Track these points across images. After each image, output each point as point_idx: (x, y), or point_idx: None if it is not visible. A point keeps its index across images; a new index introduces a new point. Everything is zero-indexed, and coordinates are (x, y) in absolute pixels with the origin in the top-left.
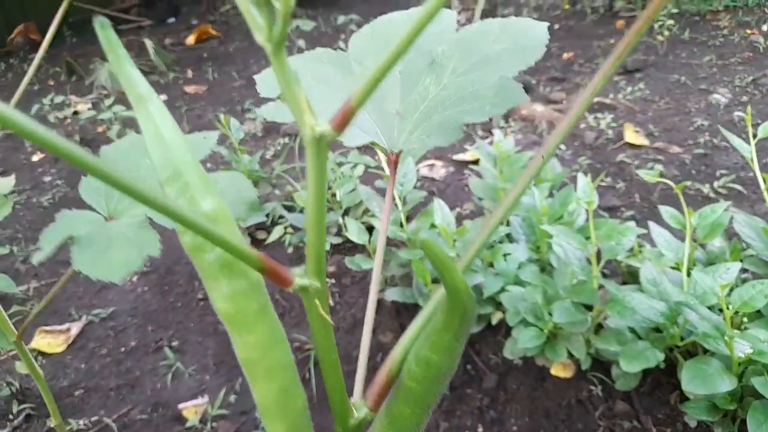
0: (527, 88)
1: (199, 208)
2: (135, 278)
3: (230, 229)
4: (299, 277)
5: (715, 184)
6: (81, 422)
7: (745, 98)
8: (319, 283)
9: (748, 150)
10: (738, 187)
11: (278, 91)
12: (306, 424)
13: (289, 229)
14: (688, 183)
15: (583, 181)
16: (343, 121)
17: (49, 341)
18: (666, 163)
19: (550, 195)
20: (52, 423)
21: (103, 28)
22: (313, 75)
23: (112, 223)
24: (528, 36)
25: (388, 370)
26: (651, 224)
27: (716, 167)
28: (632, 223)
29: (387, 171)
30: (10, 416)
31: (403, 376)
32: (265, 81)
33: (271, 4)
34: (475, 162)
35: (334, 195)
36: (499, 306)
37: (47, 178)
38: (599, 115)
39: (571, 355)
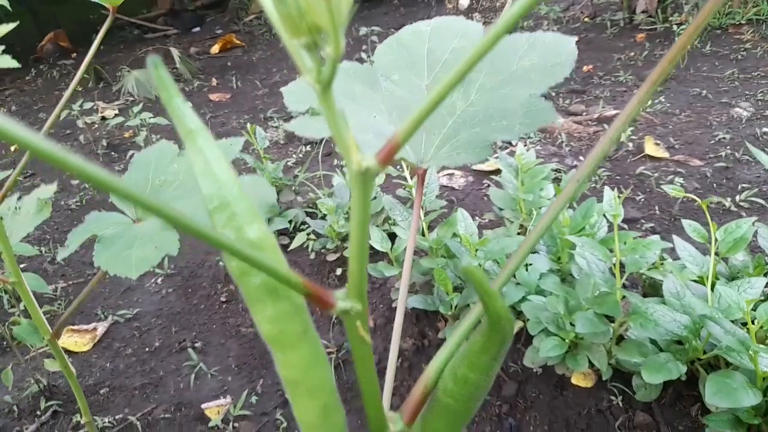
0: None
1: (245, 235)
2: (159, 280)
3: (275, 255)
4: (341, 300)
5: (737, 197)
6: (106, 420)
7: None
8: (361, 305)
9: None
10: (761, 201)
11: (305, 104)
12: None
13: (312, 236)
14: (715, 200)
15: (610, 194)
16: (388, 156)
17: (75, 340)
18: (686, 176)
19: (571, 207)
20: (79, 419)
21: (156, 67)
22: (341, 90)
23: (139, 225)
24: (556, 52)
25: (424, 386)
26: (675, 238)
27: (738, 181)
28: (656, 237)
29: (410, 180)
30: (38, 412)
31: (439, 393)
32: (293, 93)
33: (321, 47)
34: (495, 172)
35: None
36: (519, 315)
37: (75, 182)
38: None
39: (591, 365)
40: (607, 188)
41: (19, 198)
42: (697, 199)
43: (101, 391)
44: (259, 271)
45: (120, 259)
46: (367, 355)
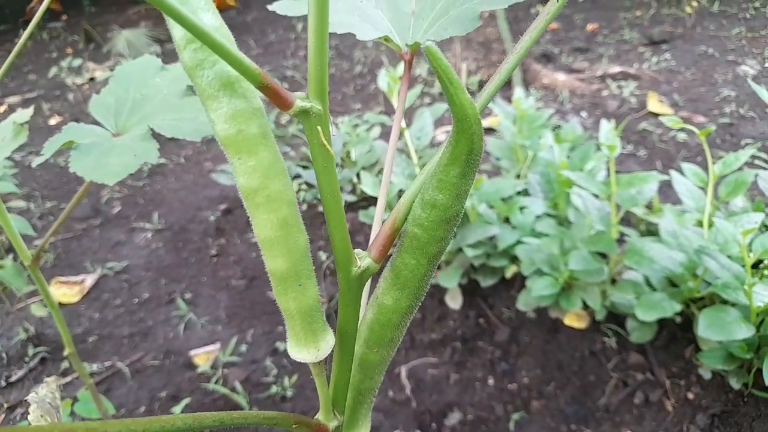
0: (549, 58)
1: (200, 20)
2: (149, 235)
3: (231, 46)
4: (300, 99)
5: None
6: (95, 366)
7: None
8: (321, 106)
9: None
10: (764, 155)
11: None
12: (307, 265)
13: (304, 186)
14: (712, 130)
15: (607, 126)
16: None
17: (64, 291)
18: (690, 131)
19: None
20: (67, 366)
21: None
22: None
23: (118, 138)
24: None
25: (393, 221)
26: (672, 173)
27: (741, 136)
28: (654, 172)
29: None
30: (26, 359)
31: (408, 225)
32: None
33: None
34: (492, 130)
35: (348, 154)
36: (514, 260)
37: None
38: (622, 83)
39: (585, 307)
40: (603, 120)
41: None
42: (695, 129)
43: (89, 340)
44: (213, 64)
45: (98, 166)
46: (330, 167)
